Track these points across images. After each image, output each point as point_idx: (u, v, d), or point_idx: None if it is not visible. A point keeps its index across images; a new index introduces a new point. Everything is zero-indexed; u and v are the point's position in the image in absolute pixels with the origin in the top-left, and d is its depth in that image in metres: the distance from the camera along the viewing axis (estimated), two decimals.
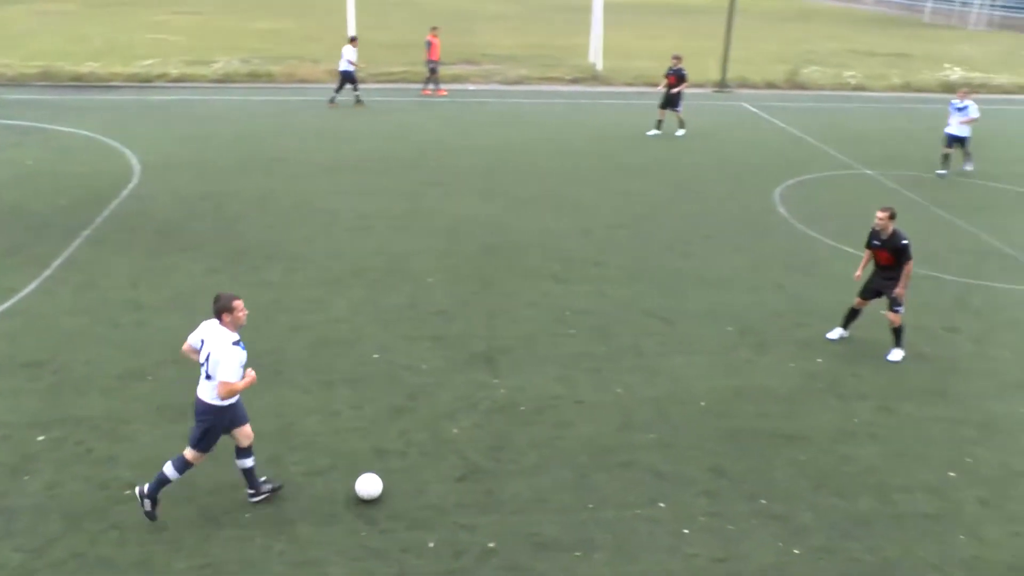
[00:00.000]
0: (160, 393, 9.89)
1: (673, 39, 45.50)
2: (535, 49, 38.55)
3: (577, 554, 7.63)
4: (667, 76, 23.75)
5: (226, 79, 29.57)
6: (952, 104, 20.64)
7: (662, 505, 8.32)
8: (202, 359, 7.56)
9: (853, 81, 34.11)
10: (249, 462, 7.98)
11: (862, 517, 8.34)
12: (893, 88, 33.91)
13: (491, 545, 7.68)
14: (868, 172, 20.84)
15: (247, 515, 7.92)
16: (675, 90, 23.63)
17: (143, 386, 10.07)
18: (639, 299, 13.00)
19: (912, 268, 11.29)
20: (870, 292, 11.61)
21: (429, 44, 27.64)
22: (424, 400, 9.99)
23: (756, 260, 14.86)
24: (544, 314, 12.31)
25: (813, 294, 13.50)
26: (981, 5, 64.10)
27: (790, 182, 19.53)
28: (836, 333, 12.02)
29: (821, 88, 33.16)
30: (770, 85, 32.84)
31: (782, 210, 17.56)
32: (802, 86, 33.19)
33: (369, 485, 8.17)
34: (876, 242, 11.31)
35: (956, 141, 20.60)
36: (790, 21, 60.86)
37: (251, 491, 8.10)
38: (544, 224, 16.16)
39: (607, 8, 34.67)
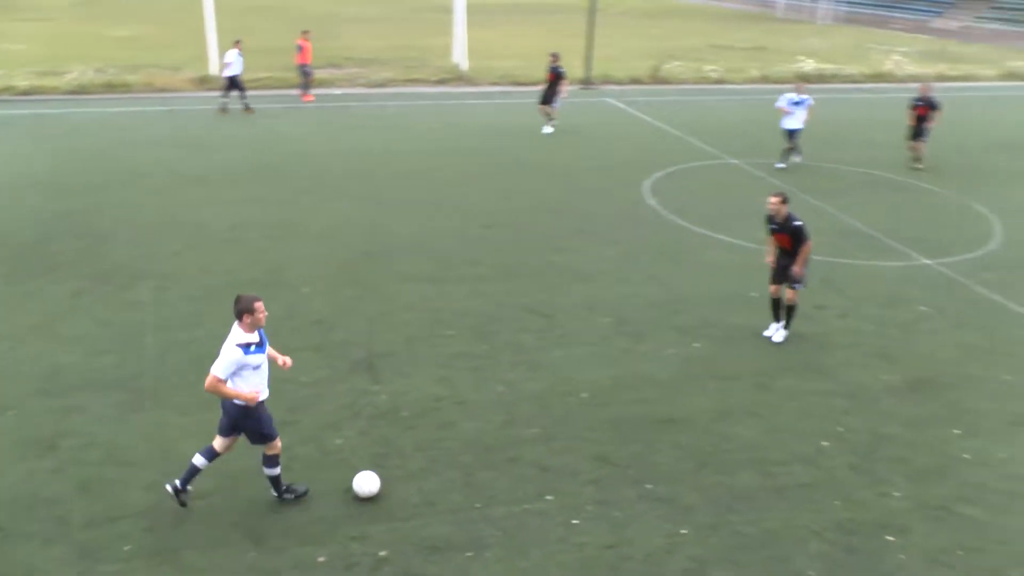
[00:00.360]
0: (25, 427, 9.39)
1: (536, 38, 46.05)
2: (399, 51, 38.40)
3: (469, 554, 7.67)
4: (549, 74, 24.11)
5: (81, 90, 28.29)
6: (789, 99, 20.91)
7: (550, 498, 8.44)
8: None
9: (714, 75, 35.21)
10: (276, 471, 8.13)
11: (744, 492, 8.68)
12: (752, 80, 35.16)
13: (383, 554, 7.64)
14: (733, 161, 21.59)
15: (126, 547, 7.61)
16: (562, 88, 24.09)
17: (4, 420, 9.57)
18: (516, 296, 13.14)
19: (811, 247, 11.63)
20: (779, 276, 11.88)
21: (300, 48, 27.19)
22: (306, 412, 9.84)
23: (629, 251, 15.22)
24: (423, 317, 12.31)
25: (686, 282, 13.92)
26: (828, 1, 67.08)
27: (658, 174, 20.06)
28: (773, 329, 12.15)
29: (684, 82, 34.11)
30: (634, 81, 33.59)
31: (652, 202, 18.01)
32: (665, 81, 34.06)
33: (367, 483, 8.30)
34: (773, 226, 11.71)
35: (794, 134, 20.98)
36: (651, 18, 62.33)
37: (275, 494, 8.27)
38: (419, 226, 16.14)
39: (469, 8, 34.82)
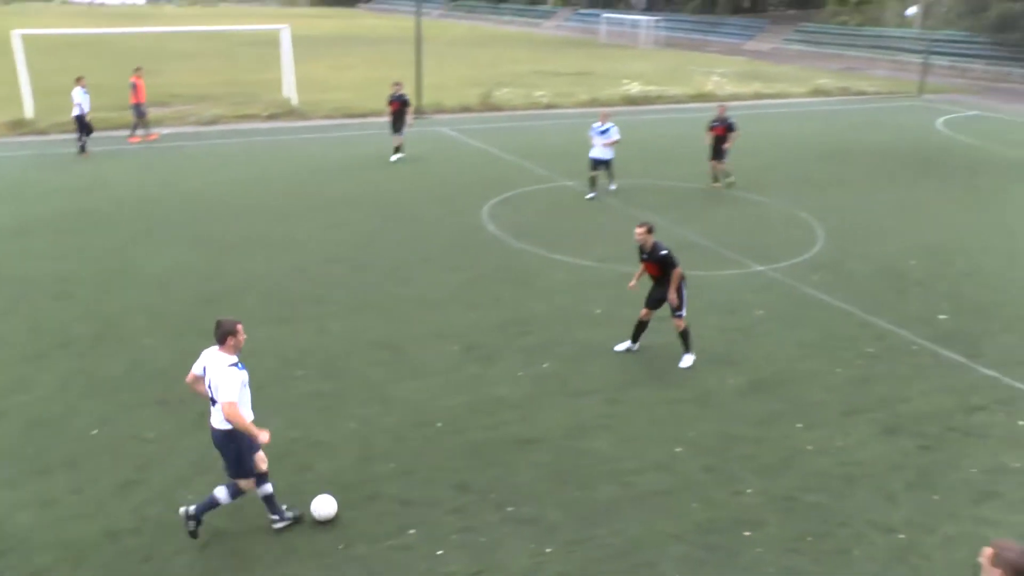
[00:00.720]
0: None
1: (365, 69, 46.00)
2: (228, 87, 37.56)
3: None
4: (390, 103, 24.17)
5: None
6: (593, 128, 20.59)
7: (412, 532, 8.32)
8: (208, 388, 7.89)
9: (544, 100, 36.03)
10: (269, 488, 8.19)
11: (605, 504, 8.81)
12: (581, 104, 36.16)
13: None
14: (568, 183, 22.06)
15: None
16: (408, 116, 24.33)
17: None
18: (363, 330, 12.97)
19: (680, 272, 11.75)
20: (653, 302, 12.05)
21: (134, 86, 26.08)
22: (155, 470, 9.35)
23: (473, 277, 15.29)
24: (269, 360, 11.94)
25: (531, 304, 14.08)
26: (648, 26, 69.94)
27: (496, 200, 20.28)
28: (624, 346, 12.38)
29: (515, 108, 34.74)
30: (465, 109, 33.98)
31: (492, 227, 18.19)
32: (496, 107, 34.61)
33: (324, 507, 8.40)
34: (643, 256, 11.89)
35: (601, 163, 20.64)
36: (477, 47, 63.29)
37: (274, 517, 8.32)
38: (259, 266, 15.72)
39: (295, 41, 34.42)
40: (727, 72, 48.26)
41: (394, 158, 24.36)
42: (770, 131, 31.41)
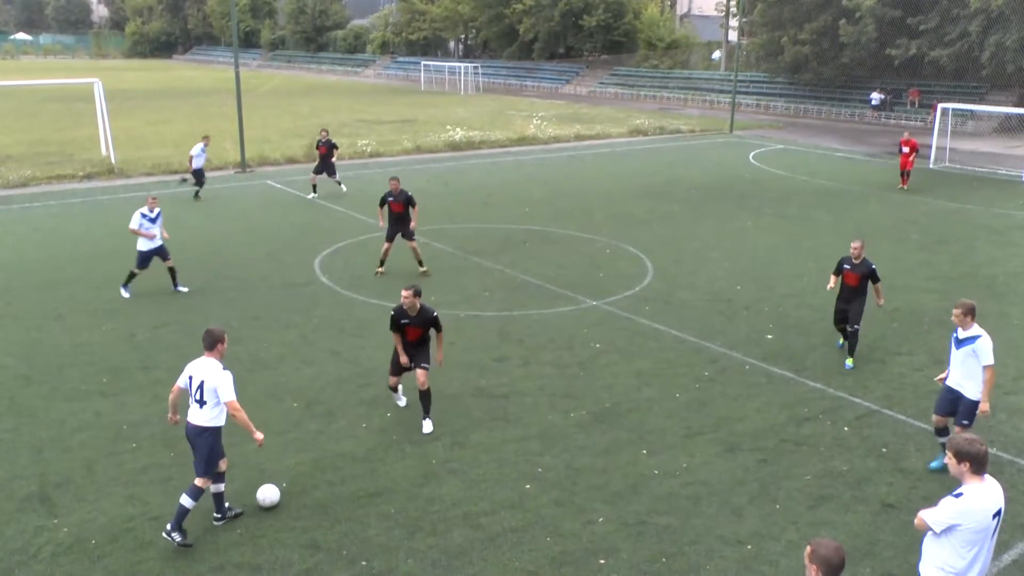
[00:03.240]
0: None
1: (186, 123, 44.73)
2: (38, 146, 35.59)
3: None
4: (319, 147, 26.42)
5: None
6: (142, 215, 16.72)
7: None
8: (193, 391, 8.78)
9: (368, 149, 35.92)
10: (222, 487, 9.06)
11: (458, 548, 8.69)
12: (406, 151, 36.29)
13: None
14: None
15: None
16: (332, 159, 26.47)
17: None
18: None
19: (443, 337, 11.41)
20: (416, 359, 11.39)
21: None
22: None
23: (308, 332, 14.92)
24: (99, 435, 11.20)
25: (369, 355, 13.84)
26: (467, 72, 71.21)
27: (327, 251, 19.96)
28: (402, 400, 11.97)
29: (340, 158, 34.24)
30: (290, 160, 33.44)
31: (324, 279, 17.86)
32: None
33: (268, 494, 9.40)
34: (405, 320, 11.18)
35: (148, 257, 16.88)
36: (299, 97, 62.71)
37: (217, 515, 9.12)
38: (81, 336, 14.78)
39: (110, 95, 33.02)
40: (547, 115, 49.61)
41: (310, 196, 26.41)
42: (594, 171, 32.42)
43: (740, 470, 10.34)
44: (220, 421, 8.87)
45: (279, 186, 28.63)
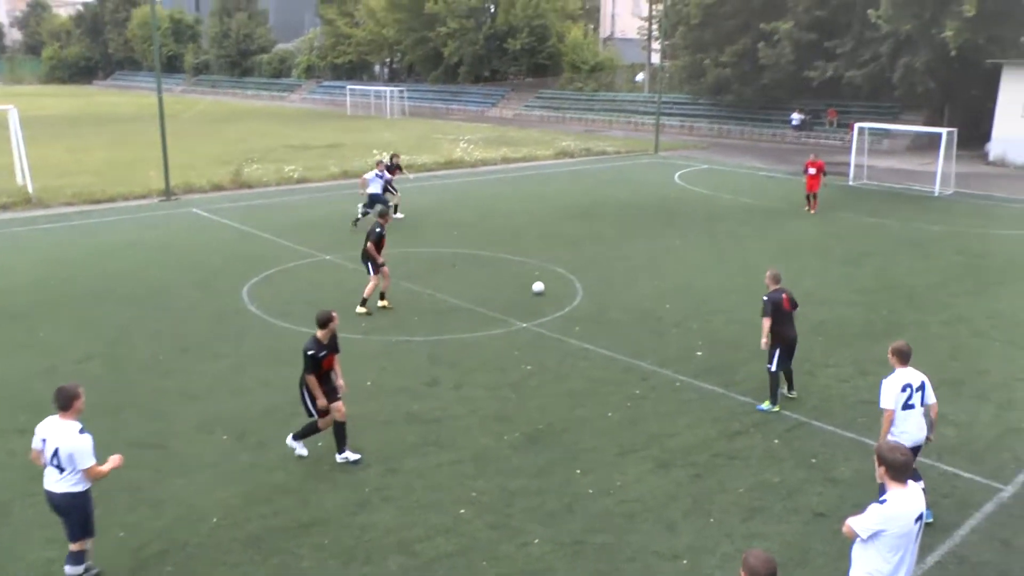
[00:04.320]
0: None
1: (108, 150, 43.91)
2: None
3: None
4: (391, 170, 27.20)
5: None
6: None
7: None
8: (48, 456, 8.02)
9: (295, 175, 35.60)
10: (80, 569, 8.34)
11: None
12: (333, 176, 36.04)
13: None
14: (327, 257, 21.80)
15: None
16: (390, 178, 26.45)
17: None
18: (124, 431, 12.05)
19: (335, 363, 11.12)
20: (332, 395, 11.13)
21: None
22: None
23: (238, 362, 14.69)
24: (16, 475, 10.80)
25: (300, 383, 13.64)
26: (393, 96, 71.16)
27: (255, 279, 19.69)
28: (300, 451, 11.40)
29: (266, 185, 34.07)
30: (217, 187, 32.92)
31: (254, 308, 17.60)
32: (248, 185, 33.79)
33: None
34: (324, 352, 10.95)
35: None
36: (223, 122, 61.98)
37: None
38: None
39: (26, 122, 32.13)
40: (474, 139, 49.80)
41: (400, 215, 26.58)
42: (521, 193, 32.63)
43: (673, 486, 10.45)
44: (86, 484, 8.16)
45: (205, 214, 28.18)
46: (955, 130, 34.18)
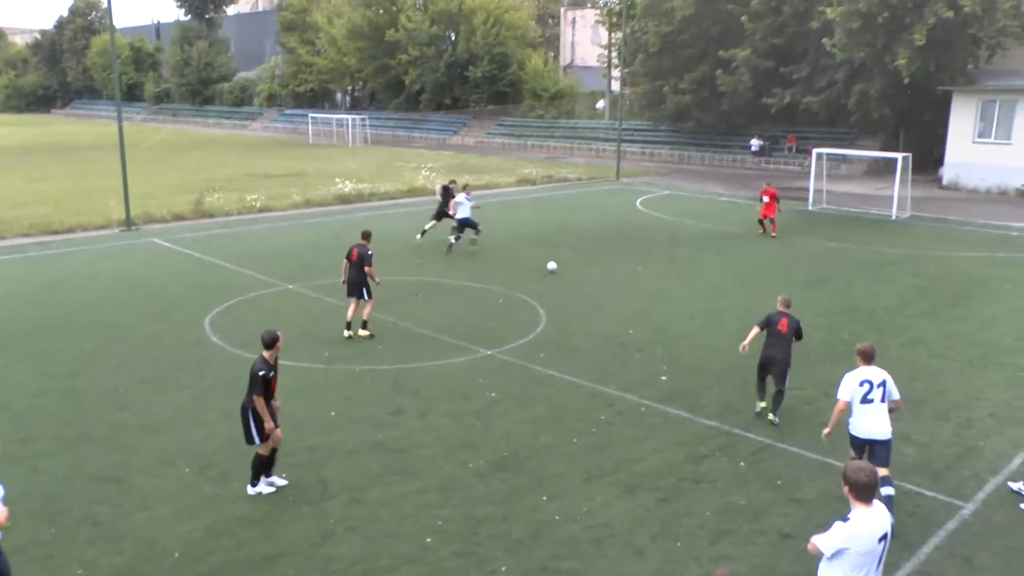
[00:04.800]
0: None
1: (66, 179, 43.49)
2: None
3: None
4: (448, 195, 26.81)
5: None
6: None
7: None
8: None
9: (257, 204, 35.39)
10: None
11: None
12: (296, 205, 35.89)
13: None
14: (290, 287, 21.65)
15: None
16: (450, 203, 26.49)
17: None
18: (83, 465, 11.85)
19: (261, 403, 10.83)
20: (274, 418, 10.93)
21: None
22: None
23: (199, 394, 14.51)
24: None
25: None
26: (354, 124, 71.17)
27: (217, 310, 19.49)
28: (267, 488, 11.15)
29: (228, 214, 33.83)
30: (178, 217, 32.62)
31: (216, 339, 17.42)
32: (210, 214, 33.52)
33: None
34: (272, 373, 10.91)
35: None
36: (185, 151, 61.61)
37: None
38: None
39: None
40: (436, 166, 49.90)
41: (453, 240, 26.05)
42: (484, 220, 32.61)
43: (641, 510, 10.46)
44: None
45: (167, 244, 27.89)
46: (910, 155, 34.83)
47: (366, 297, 17.35)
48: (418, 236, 27.26)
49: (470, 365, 15.80)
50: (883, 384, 10.17)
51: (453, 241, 25.85)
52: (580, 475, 11.38)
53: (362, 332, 17.38)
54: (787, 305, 13.38)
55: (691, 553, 9.52)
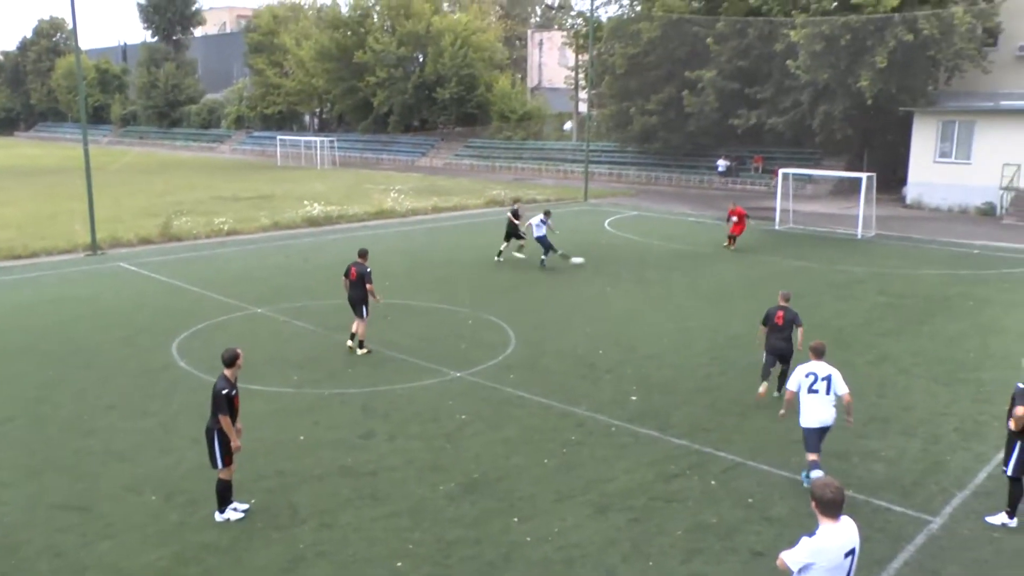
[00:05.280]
0: None
1: (29, 203, 43.00)
2: None
3: None
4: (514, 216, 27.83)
5: None
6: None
7: None
8: None
9: (225, 227, 35.13)
10: None
11: None
12: (264, 228, 35.68)
13: None
14: (259, 310, 21.49)
15: None
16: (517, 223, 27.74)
17: None
18: (46, 494, 11.64)
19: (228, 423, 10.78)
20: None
21: None
22: None
23: (166, 420, 14.33)
24: None
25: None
26: (323, 147, 71.06)
27: (185, 334, 19.30)
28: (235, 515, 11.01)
29: (196, 237, 33.56)
30: (145, 241, 32.29)
31: (183, 364, 17.24)
32: (177, 238, 33.23)
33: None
34: (234, 391, 10.94)
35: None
36: (152, 174, 61.19)
37: None
38: None
39: None
40: (404, 188, 49.88)
41: (520, 255, 27.98)
42: (453, 242, 32.70)
43: (612, 530, 10.45)
44: None
45: (133, 268, 27.60)
46: (874, 175, 35.33)
47: (364, 315, 17.46)
48: (497, 257, 28.26)
49: (440, 387, 15.75)
50: (828, 378, 11.24)
51: (544, 260, 27.06)
52: (551, 496, 11.36)
53: (353, 346, 17.69)
54: (787, 299, 14.73)
55: (663, 572, 9.53)
